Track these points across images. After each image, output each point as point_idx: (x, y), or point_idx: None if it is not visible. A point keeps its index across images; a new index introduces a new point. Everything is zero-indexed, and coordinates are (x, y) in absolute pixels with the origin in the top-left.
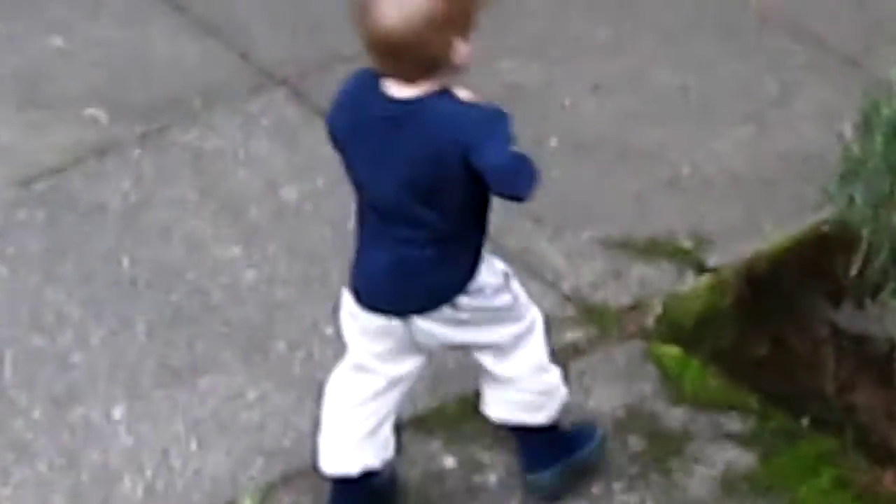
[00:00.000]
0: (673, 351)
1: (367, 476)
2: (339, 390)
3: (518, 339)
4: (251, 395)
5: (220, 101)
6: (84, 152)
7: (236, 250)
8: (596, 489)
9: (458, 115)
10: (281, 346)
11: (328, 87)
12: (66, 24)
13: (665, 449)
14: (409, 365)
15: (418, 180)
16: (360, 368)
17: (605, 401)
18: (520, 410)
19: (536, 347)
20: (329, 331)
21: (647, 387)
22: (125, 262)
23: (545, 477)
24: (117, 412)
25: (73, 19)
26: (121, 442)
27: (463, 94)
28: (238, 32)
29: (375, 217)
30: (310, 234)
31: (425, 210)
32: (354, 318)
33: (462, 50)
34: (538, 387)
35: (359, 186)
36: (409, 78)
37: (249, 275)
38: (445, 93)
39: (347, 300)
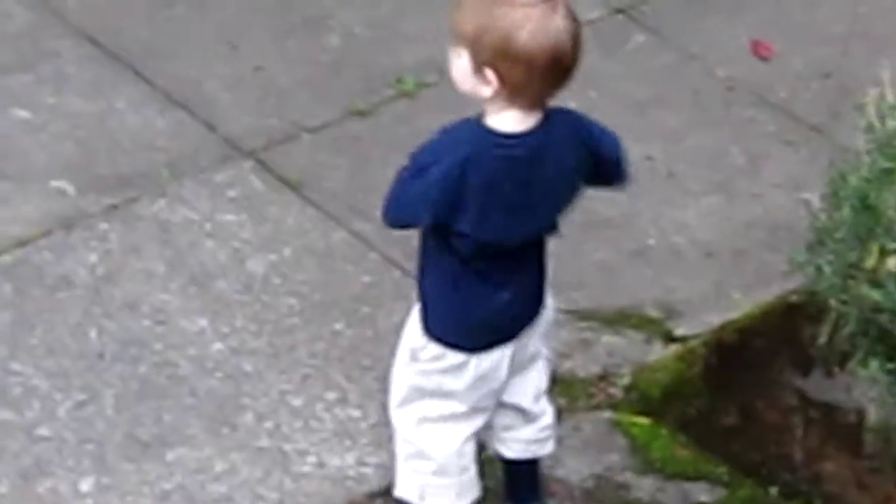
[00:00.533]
0: (642, 421)
1: None
2: (446, 444)
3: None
4: (219, 467)
5: (187, 173)
6: (51, 225)
7: (203, 322)
8: None
9: (578, 116)
10: (248, 417)
11: (294, 158)
12: (31, 96)
13: None
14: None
15: (562, 200)
16: (462, 416)
17: (574, 471)
18: (535, 445)
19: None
20: (297, 402)
21: (615, 457)
22: (93, 334)
23: None
24: (85, 485)
25: (39, 91)
26: None
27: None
28: (204, 104)
29: (484, 261)
30: (277, 306)
31: (549, 228)
32: (464, 369)
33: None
34: (552, 418)
35: (467, 234)
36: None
37: (217, 346)
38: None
39: (451, 357)
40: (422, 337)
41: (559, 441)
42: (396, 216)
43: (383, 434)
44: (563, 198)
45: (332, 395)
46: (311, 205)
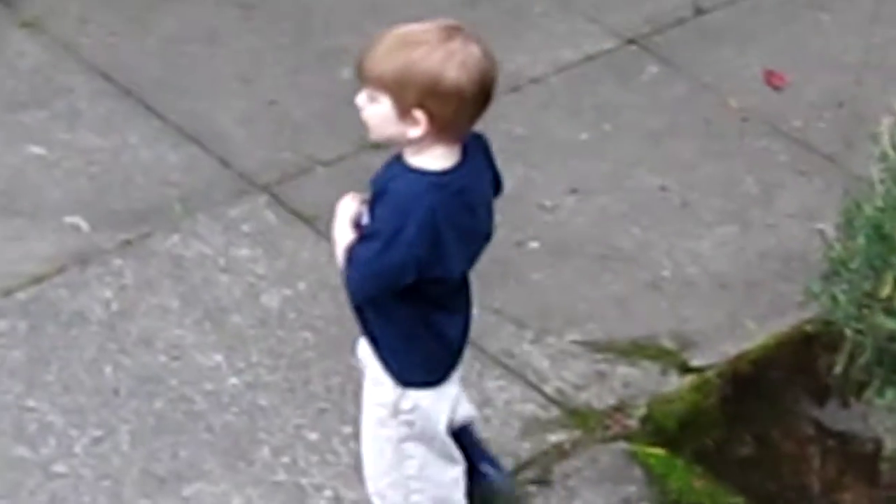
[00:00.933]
0: (658, 452)
1: None
2: (452, 480)
3: None
4: (236, 501)
5: (200, 208)
6: (65, 261)
7: (219, 357)
8: None
9: (478, 135)
10: (265, 452)
11: (308, 192)
12: (45, 132)
13: None
14: None
15: (492, 215)
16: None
17: (591, 502)
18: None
19: None
20: (313, 436)
21: (632, 488)
22: (108, 370)
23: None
24: None
25: (52, 127)
26: None
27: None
28: (217, 138)
29: (445, 292)
30: (292, 340)
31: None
32: (442, 398)
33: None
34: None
35: (442, 276)
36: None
37: (232, 381)
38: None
39: (430, 394)
40: (395, 391)
41: (576, 472)
42: (375, 288)
43: None
44: (491, 212)
45: (347, 430)
46: (326, 238)
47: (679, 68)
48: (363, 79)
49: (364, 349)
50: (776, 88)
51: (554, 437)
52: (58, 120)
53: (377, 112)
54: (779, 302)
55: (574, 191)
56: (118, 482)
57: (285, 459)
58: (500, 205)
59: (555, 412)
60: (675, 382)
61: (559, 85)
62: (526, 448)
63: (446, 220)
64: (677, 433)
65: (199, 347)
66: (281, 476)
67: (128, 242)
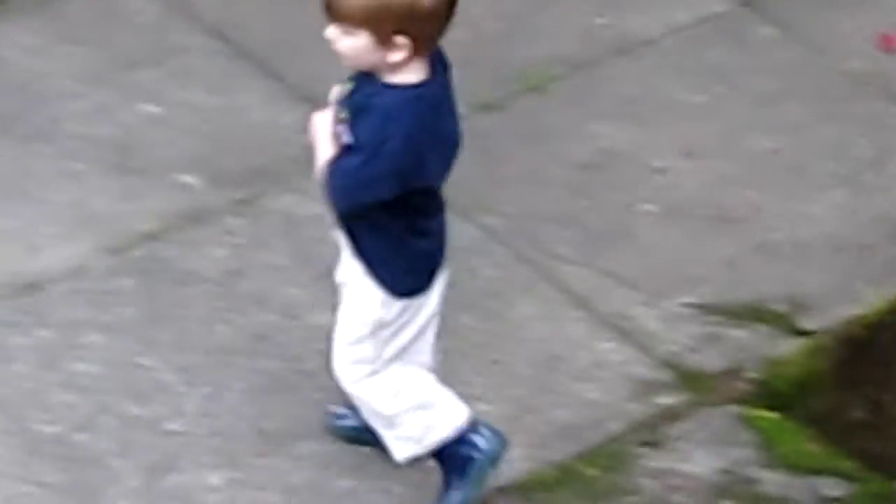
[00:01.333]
0: (769, 415)
1: None
2: (421, 380)
3: None
4: (347, 461)
5: (312, 168)
6: (178, 219)
7: (331, 317)
8: None
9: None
10: None
11: None
12: (159, 90)
13: None
14: None
15: (460, 120)
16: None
17: (702, 465)
18: None
19: None
20: None
21: (743, 451)
22: (220, 328)
23: None
24: (214, 479)
25: (166, 86)
26: None
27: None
28: None
29: (427, 201)
30: None
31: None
32: (425, 306)
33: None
34: None
35: (425, 186)
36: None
37: None
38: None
39: (415, 302)
40: (384, 303)
41: (687, 435)
42: (357, 200)
43: (515, 425)
44: (458, 120)
45: (460, 389)
46: None
47: (792, 31)
48: (334, 16)
49: (346, 271)
50: (890, 52)
51: (665, 400)
52: (172, 78)
53: (354, 44)
54: (892, 265)
55: (688, 154)
56: (230, 440)
57: None
58: (611, 166)
59: (666, 375)
60: (788, 346)
61: (672, 46)
62: (637, 410)
63: (427, 129)
64: (789, 396)
65: (311, 306)
66: None
67: (241, 201)
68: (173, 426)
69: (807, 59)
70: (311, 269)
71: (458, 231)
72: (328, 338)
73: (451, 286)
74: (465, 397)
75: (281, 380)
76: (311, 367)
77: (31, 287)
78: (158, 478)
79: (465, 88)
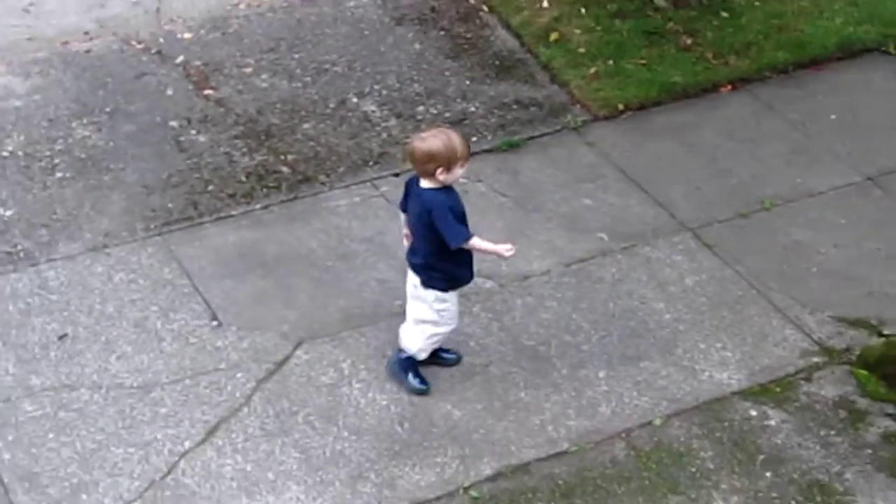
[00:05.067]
0: (864, 372)
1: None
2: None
3: None
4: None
5: None
6: None
7: None
8: None
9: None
10: None
11: None
12: None
13: None
14: None
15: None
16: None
17: (831, 392)
18: None
19: None
20: None
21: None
22: None
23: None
24: None
25: None
26: None
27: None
28: None
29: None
30: None
31: None
32: (455, 296)
33: (441, 176)
34: None
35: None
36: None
37: None
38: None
39: (452, 294)
40: (436, 298)
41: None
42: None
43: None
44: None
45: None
46: None
47: None
48: (418, 159)
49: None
50: None
51: (816, 360)
52: None
53: (435, 174)
54: None
55: None
56: None
57: None
58: None
59: (818, 349)
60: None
61: None
62: (808, 362)
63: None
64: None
65: None
66: None
67: None
68: None
69: None
70: None
71: None
72: None
73: None
74: None
75: None
76: None
77: None
78: None
79: None
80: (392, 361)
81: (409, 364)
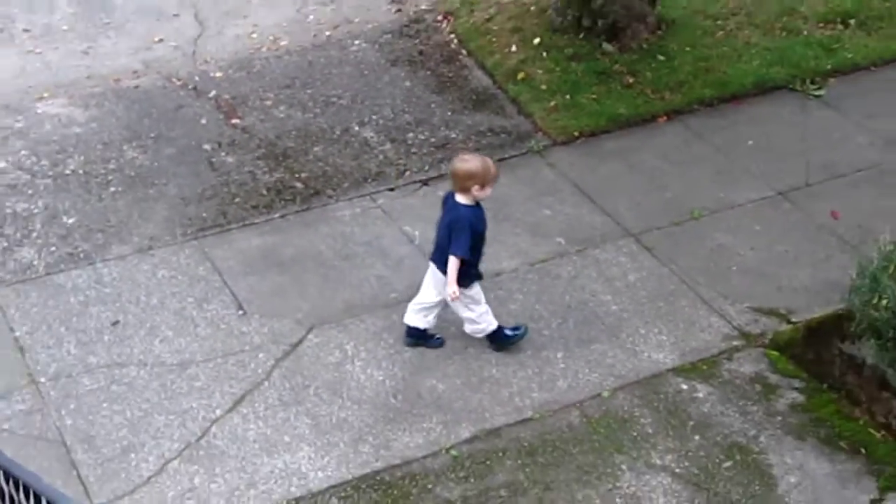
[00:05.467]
0: (775, 353)
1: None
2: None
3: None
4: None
5: None
6: None
7: None
8: None
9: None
10: None
11: None
12: None
13: None
14: None
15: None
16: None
17: (746, 367)
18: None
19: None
20: None
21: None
22: None
23: None
24: None
25: None
26: None
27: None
28: None
29: (475, 253)
30: None
31: None
32: (477, 284)
33: (477, 192)
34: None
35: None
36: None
37: None
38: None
39: (477, 284)
40: (463, 289)
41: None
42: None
43: None
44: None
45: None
46: None
47: None
48: (461, 178)
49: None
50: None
51: (735, 343)
52: None
53: (472, 190)
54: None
55: None
56: None
57: None
58: None
59: (738, 335)
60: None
61: None
62: (734, 344)
63: (481, 227)
64: (783, 347)
65: None
66: None
67: None
68: None
69: None
70: None
71: None
72: None
73: None
74: None
75: None
76: None
77: None
78: None
79: None
80: (492, 345)
81: (499, 335)
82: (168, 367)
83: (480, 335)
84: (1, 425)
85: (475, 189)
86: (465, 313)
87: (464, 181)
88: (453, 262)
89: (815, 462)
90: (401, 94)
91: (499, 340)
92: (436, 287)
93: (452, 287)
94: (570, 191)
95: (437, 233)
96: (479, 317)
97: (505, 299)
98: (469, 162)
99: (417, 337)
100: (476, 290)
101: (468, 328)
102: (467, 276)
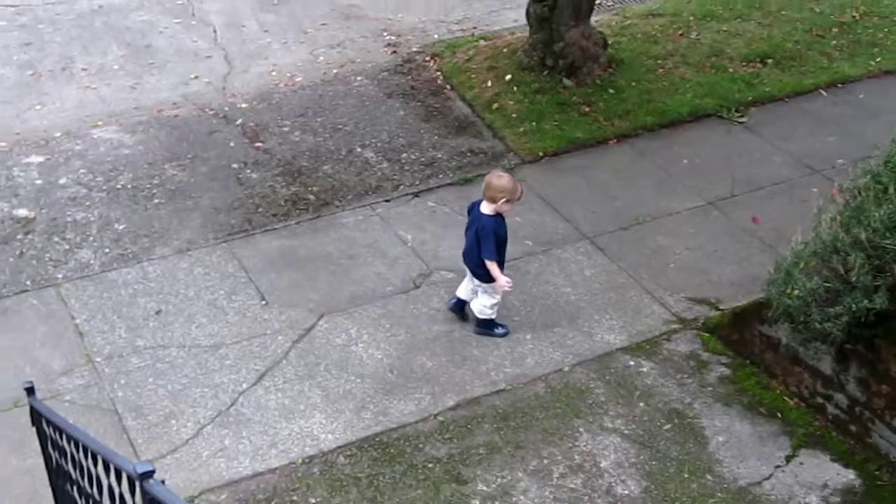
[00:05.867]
0: (707, 334)
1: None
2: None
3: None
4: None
5: None
6: None
7: None
8: None
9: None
10: None
11: None
12: None
13: None
14: None
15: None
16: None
17: (682, 347)
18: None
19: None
20: None
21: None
22: None
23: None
24: None
25: None
26: None
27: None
28: None
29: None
30: None
31: None
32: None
33: (504, 204)
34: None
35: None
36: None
37: None
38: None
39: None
40: (490, 284)
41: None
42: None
43: None
44: (473, 234)
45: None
46: None
47: None
48: (494, 193)
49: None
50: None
51: (672, 327)
52: None
53: (497, 204)
54: None
55: None
56: None
57: None
58: None
59: (675, 319)
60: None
61: None
62: (671, 327)
63: (503, 234)
64: (713, 329)
65: None
66: None
67: None
68: None
69: None
70: None
71: None
72: None
73: None
74: None
75: None
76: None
77: None
78: None
79: None
80: (477, 328)
81: (488, 324)
82: (203, 348)
83: (480, 316)
84: (64, 397)
85: (502, 202)
86: (484, 298)
87: (495, 192)
88: (490, 265)
89: (740, 424)
90: (395, 122)
91: (485, 328)
92: (470, 283)
93: (501, 280)
94: (536, 201)
95: (466, 239)
96: (491, 306)
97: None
98: (504, 179)
99: (479, 325)
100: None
101: (475, 307)
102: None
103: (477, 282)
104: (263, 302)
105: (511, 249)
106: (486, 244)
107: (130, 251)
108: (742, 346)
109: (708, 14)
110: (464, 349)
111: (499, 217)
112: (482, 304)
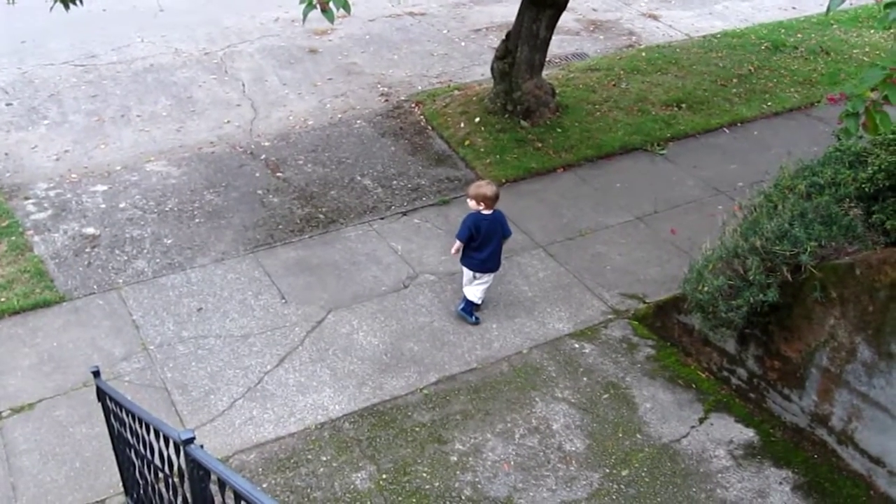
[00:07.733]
0: (637, 323)
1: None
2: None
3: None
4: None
5: None
6: None
7: None
8: None
9: (501, 214)
10: None
11: None
12: None
13: None
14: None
15: (500, 235)
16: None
17: (616, 332)
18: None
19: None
20: None
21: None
22: None
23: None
24: None
25: None
26: None
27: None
28: None
29: (480, 245)
30: None
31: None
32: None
33: (475, 206)
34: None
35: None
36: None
37: None
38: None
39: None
40: (468, 271)
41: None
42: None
43: None
44: (500, 234)
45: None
46: None
47: None
48: (473, 197)
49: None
50: None
51: (606, 317)
52: None
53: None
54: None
55: None
56: None
57: None
58: None
59: (612, 311)
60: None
61: None
62: (610, 317)
63: (482, 227)
64: (643, 319)
65: None
66: None
67: None
68: None
69: None
70: None
71: None
72: None
73: None
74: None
75: None
76: None
77: None
78: None
79: None
80: (460, 308)
81: (468, 309)
82: (235, 338)
83: (470, 298)
84: (123, 378)
85: (482, 205)
86: (464, 283)
87: (479, 199)
88: (456, 242)
89: (663, 394)
90: (388, 156)
91: (465, 311)
92: (483, 284)
93: (453, 248)
94: None
95: (491, 244)
96: (467, 290)
97: (457, 290)
98: (480, 188)
99: (464, 308)
100: (469, 276)
101: (472, 292)
102: (467, 258)
103: (489, 276)
104: (283, 300)
105: None
106: (461, 226)
107: (177, 261)
108: (664, 332)
109: (634, 68)
110: (443, 336)
111: (480, 214)
112: (463, 289)
